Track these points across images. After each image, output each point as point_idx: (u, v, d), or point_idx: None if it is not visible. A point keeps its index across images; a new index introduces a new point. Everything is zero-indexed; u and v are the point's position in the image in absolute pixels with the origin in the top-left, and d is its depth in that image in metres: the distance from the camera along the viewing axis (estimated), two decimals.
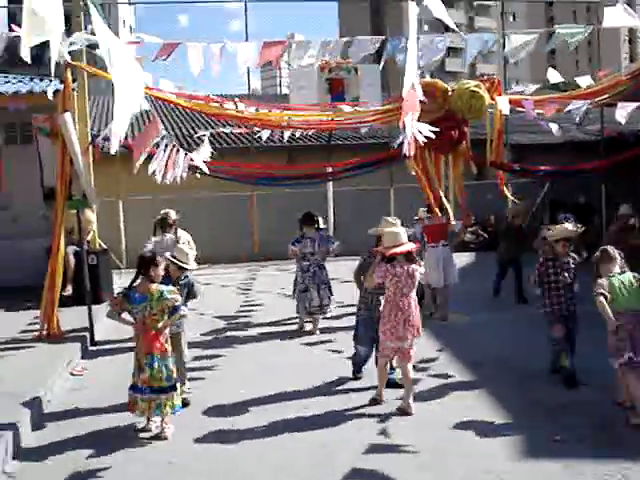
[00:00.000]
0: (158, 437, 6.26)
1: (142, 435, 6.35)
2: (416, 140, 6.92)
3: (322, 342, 9.79)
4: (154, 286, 6.21)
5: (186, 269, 7.24)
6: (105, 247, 12.89)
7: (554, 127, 12.78)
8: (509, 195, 11.73)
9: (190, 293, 7.19)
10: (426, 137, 7.45)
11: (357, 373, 7.97)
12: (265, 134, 13.86)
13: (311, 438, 6.21)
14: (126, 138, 8.34)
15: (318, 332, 10.24)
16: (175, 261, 7.04)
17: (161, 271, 6.39)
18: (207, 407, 7.03)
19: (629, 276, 6.48)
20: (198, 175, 8.18)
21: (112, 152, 6.61)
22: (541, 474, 5.35)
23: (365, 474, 5.45)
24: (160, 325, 6.21)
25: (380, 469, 5.52)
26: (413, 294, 6.79)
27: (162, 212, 9.71)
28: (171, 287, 6.45)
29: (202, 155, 8.38)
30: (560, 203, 12.59)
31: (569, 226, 7.63)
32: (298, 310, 10.51)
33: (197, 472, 5.58)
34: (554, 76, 11.72)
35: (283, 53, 7.50)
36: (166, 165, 7.21)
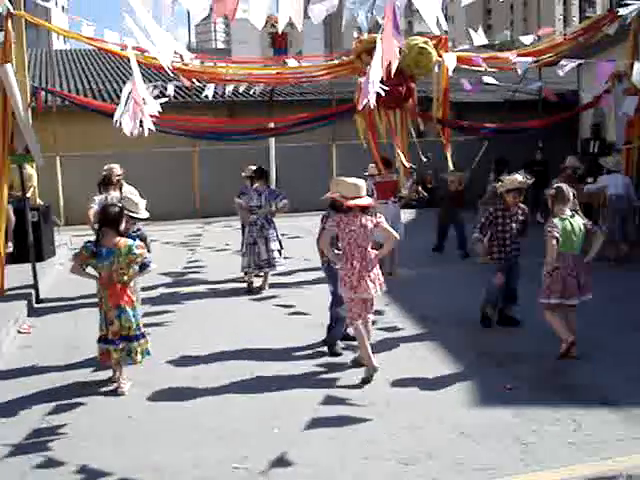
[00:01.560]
0: (115, 393, 6.23)
1: (99, 390, 6.32)
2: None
3: (271, 297, 9.83)
4: (122, 241, 6.12)
5: (138, 219, 7.18)
6: (46, 204, 12.59)
7: (489, 79, 12.80)
8: (449, 155, 11.81)
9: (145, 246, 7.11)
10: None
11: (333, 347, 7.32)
12: (210, 91, 13.59)
13: (269, 393, 6.26)
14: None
15: (267, 287, 10.19)
16: (125, 212, 6.93)
17: (124, 224, 6.32)
18: (161, 364, 7.02)
19: (579, 223, 6.77)
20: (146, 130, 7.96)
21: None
22: (493, 421, 5.52)
23: (322, 425, 5.54)
24: (126, 278, 6.16)
25: (336, 420, 5.62)
26: (369, 247, 6.60)
27: (105, 168, 9.41)
28: (138, 241, 6.37)
29: (151, 109, 8.16)
30: (504, 160, 12.83)
31: (519, 177, 7.77)
32: (245, 265, 10.24)
33: (158, 426, 5.60)
34: (480, 38, 11.87)
35: (237, 6, 7.25)
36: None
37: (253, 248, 10.03)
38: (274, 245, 10.09)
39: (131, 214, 6.94)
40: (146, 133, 6.78)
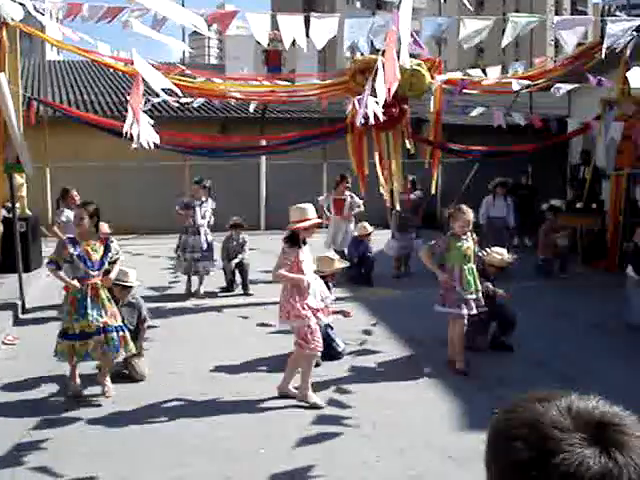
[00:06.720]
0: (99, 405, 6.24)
1: (85, 404, 6.27)
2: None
3: (255, 314, 9.77)
4: None
5: (131, 287, 7.11)
6: (35, 215, 12.52)
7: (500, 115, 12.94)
8: (435, 176, 11.81)
9: (140, 316, 7.19)
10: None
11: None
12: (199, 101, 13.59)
13: (257, 413, 6.23)
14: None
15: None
16: (118, 282, 6.92)
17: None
18: (147, 380, 6.98)
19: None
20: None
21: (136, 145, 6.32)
22: (481, 445, 5.48)
23: (310, 445, 5.52)
24: None
25: (323, 441, 5.60)
26: None
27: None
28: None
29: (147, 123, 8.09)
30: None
31: (507, 257, 8.08)
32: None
33: (144, 444, 5.55)
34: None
35: (230, 22, 7.27)
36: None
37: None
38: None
39: (123, 284, 6.98)
40: (152, 146, 6.61)
